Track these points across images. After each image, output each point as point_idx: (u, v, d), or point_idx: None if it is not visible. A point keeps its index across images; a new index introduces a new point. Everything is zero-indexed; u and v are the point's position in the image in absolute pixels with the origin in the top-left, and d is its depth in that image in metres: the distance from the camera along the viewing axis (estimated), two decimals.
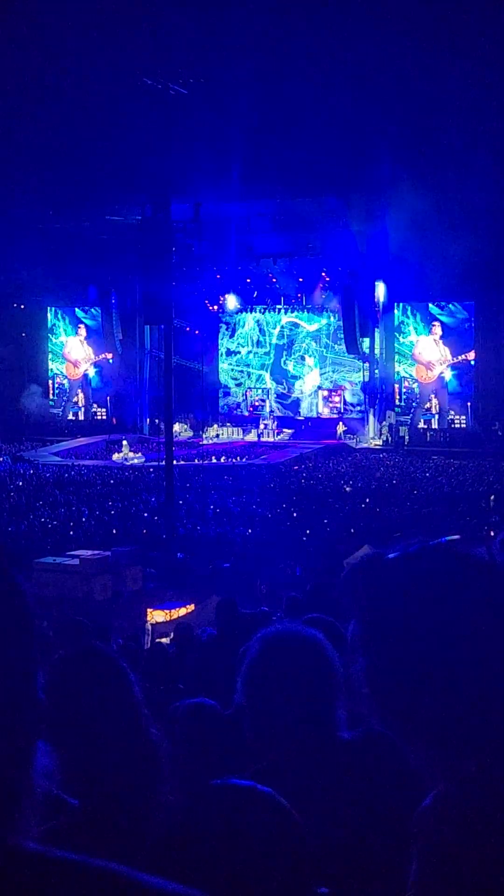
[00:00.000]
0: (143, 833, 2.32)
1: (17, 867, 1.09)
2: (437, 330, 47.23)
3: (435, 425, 47.10)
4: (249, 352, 53.32)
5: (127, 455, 43.73)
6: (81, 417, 53.92)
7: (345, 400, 50.84)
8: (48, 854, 1.11)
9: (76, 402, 54.25)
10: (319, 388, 51.51)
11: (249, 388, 52.96)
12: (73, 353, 54.55)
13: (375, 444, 46.67)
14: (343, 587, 1.59)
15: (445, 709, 1.47)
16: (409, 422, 47.15)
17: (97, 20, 43.68)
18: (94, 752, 2.42)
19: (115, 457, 44.04)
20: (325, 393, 51.38)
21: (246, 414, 52.21)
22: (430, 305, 47.20)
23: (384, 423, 47.67)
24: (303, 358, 52.13)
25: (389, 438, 46.76)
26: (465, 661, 1.47)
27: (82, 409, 54.15)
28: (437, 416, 47.17)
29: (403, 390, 47.95)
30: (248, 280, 51.03)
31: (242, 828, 1.85)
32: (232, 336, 53.66)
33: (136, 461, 42.12)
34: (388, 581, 1.55)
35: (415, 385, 47.66)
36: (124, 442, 45.21)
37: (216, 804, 1.91)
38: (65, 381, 54.68)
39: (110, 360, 53.17)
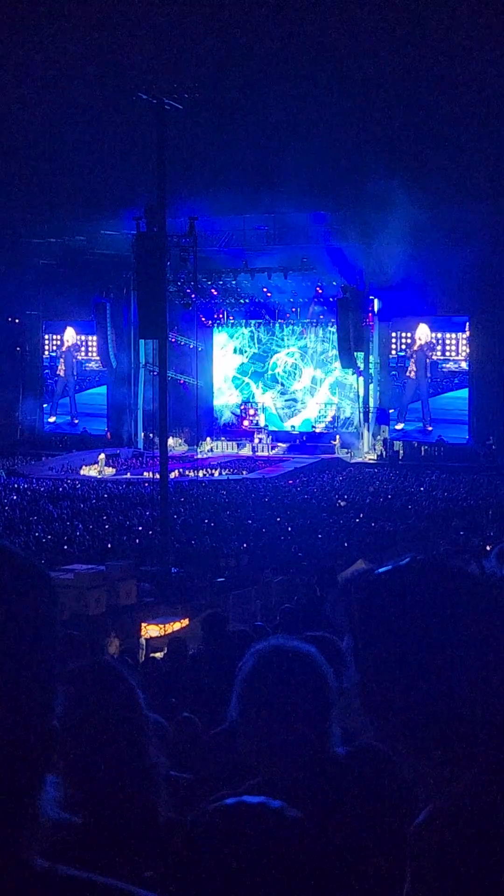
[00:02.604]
0: (148, 851, 2.31)
1: (26, 883, 1.10)
2: (425, 330, 47.41)
3: (427, 425, 47.23)
4: (244, 366, 53.37)
5: (102, 469, 43.76)
6: (76, 422, 53.85)
7: (338, 414, 50.90)
8: (57, 871, 1.12)
9: (64, 394, 54.25)
10: (315, 401, 51.62)
11: (244, 402, 52.98)
12: (65, 344, 54.45)
13: (370, 459, 46.70)
14: (336, 602, 1.60)
15: (439, 723, 1.47)
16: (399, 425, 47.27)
17: (92, 36, 43.86)
18: (99, 768, 2.42)
19: (85, 470, 43.96)
20: (320, 407, 51.44)
21: (239, 424, 52.19)
22: (426, 318, 47.43)
23: (378, 437, 47.73)
24: (298, 371, 52.20)
25: (384, 452, 46.80)
26: (458, 675, 1.47)
27: (76, 417, 54.12)
28: (425, 421, 47.31)
29: (392, 395, 48.20)
30: (243, 297, 51.13)
31: (255, 845, 1.84)
32: (228, 349, 53.71)
33: (107, 475, 42.33)
34: (378, 595, 1.56)
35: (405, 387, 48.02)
36: (101, 456, 45.18)
37: (228, 822, 1.90)
38: (57, 382, 54.74)
39: (100, 366, 53.14)
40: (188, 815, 2.56)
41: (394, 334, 48.24)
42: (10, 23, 43.40)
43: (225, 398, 53.55)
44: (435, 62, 44.11)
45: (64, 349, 54.67)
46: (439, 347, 47.67)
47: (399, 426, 47.46)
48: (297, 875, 1.88)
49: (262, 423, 51.62)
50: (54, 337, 54.75)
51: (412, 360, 47.93)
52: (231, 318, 52.83)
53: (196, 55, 42.53)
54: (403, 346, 48.14)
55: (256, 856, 1.82)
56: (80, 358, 54.38)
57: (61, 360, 54.77)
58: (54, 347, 54.88)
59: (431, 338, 47.58)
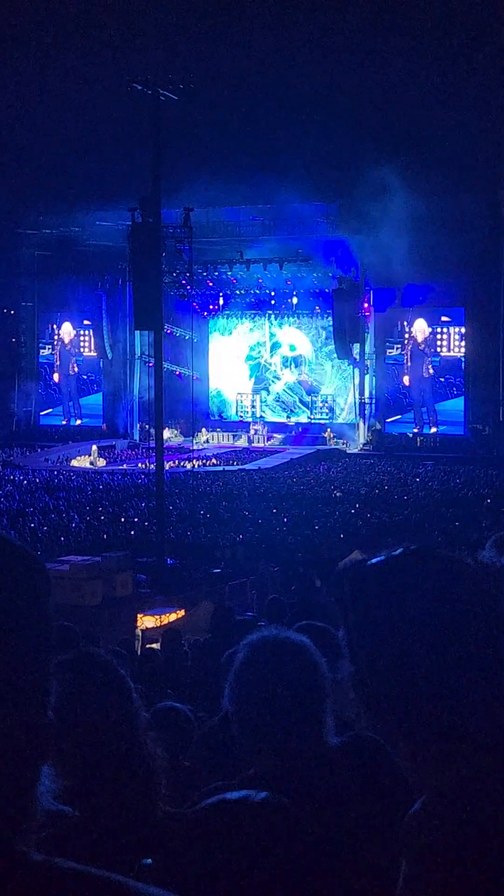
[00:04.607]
0: (146, 843, 2.31)
1: (23, 876, 1.10)
2: (422, 325, 47.36)
3: (431, 428, 47.22)
4: (241, 356, 53.29)
5: (93, 459, 43.81)
6: (78, 422, 53.73)
7: (334, 405, 50.86)
8: (53, 863, 1.12)
9: (68, 397, 54.08)
10: (311, 392, 51.58)
11: (240, 393, 52.91)
12: (65, 337, 54.23)
13: (365, 450, 46.70)
14: (331, 592, 1.60)
15: (432, 713, 1.47)
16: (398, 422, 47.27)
17: (87, 27, 43.72)
18: (92, 761, 2.41)
19: (76, 462, 43.95)
20: (318, 398, 51.40)
21: (237, 419, 52.15)
22: (422, 308, 47.38)
23: (374, 428, 47.73)
24: (295, 362, 52.15)
25: (379, 443, 46.83)
26: (451, 665, 1.47)
27: (75, 414, 53.98)
28: (424, 419, 47.31)
29: (392, 395, 48.09)
30: (239, 289, 51.04)
31: (255, 839, 1.84)
32: (223, 341, 53.64)
33: (99, 466, 42.46)
34: (371, 585, 1.55)
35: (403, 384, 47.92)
36: (94, 448, 45.17)
37: (228, 817, 1.89)
38: (55, 376, 54.54)
39: (100, 362, 53.05)
40: (184, 807, 2.56)
41: (400, 324, 48.05)
42: (4, 14, 43.26)
43: (226, 384, 53.27)
44: (433, 52, 44.05)
45: (66, 346, 54.34)
46: (442, 340, 47.56)
47: (416, 430, 47.36)
48: (293, 865, 1.88)
49: (258, 414, 51.59)
50: (57, 331, 54.48)
51: (407, 363, 47.80)
52: (227, 309, 52.75)
53: (192, 46, 42.44)
54: (405, 342, 47.98)
55: (255, 849, 1.82)
56: (77, 351, 54.12)
57: (57, 359, 54.50)
58: (57, 341, 54.55)
59: (429, 332, 47.45)
